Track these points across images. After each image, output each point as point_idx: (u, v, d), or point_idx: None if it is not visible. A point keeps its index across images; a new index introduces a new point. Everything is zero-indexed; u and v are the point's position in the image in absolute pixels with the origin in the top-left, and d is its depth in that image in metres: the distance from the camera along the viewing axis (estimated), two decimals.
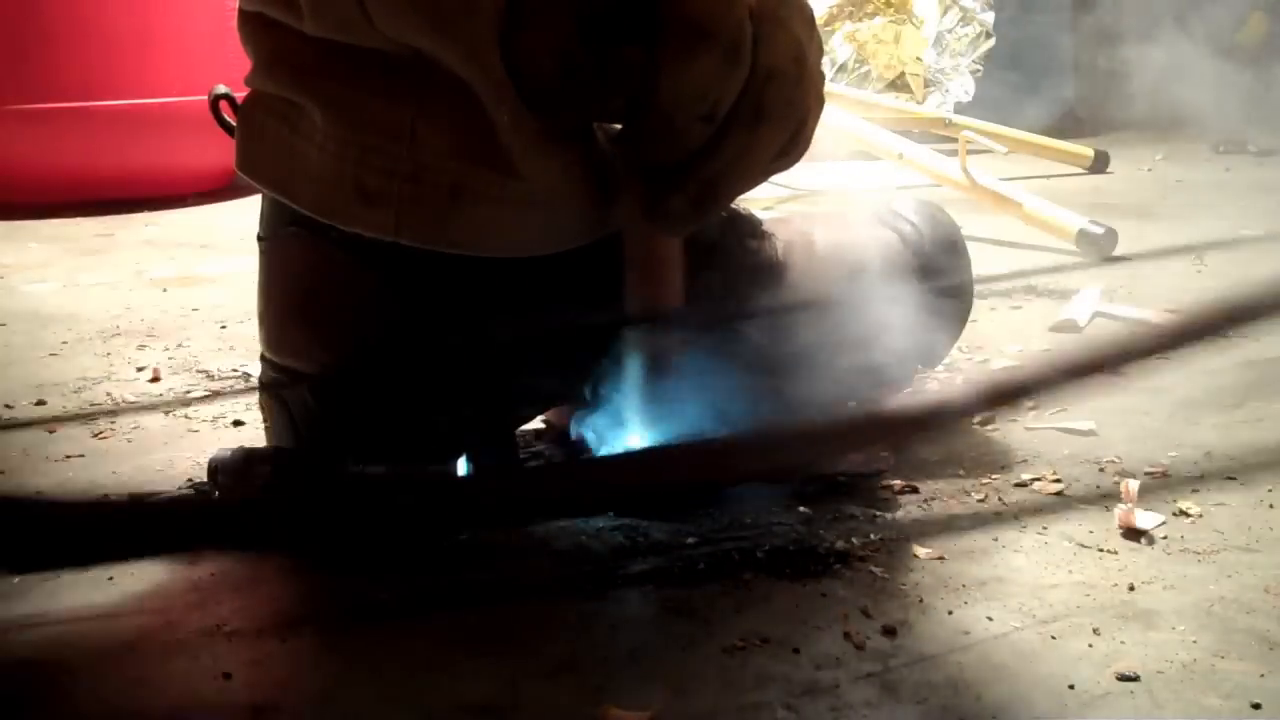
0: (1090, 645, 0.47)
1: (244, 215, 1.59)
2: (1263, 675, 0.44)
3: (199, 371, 0.88)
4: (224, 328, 1.02)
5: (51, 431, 0.74)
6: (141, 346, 0.96)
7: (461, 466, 0.57)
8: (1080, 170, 1.88)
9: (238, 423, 0.75)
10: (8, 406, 0.79)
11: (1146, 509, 0.58)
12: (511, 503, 0.53)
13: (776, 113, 0.52)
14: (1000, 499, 0.61)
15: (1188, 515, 0.59)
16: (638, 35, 0.52)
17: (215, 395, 0.81)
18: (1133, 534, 0.57)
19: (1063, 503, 0.61)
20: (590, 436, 0.61)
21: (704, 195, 0.53)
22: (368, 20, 0.53)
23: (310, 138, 0.56)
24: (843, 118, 1.58)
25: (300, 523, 0.50)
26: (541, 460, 0.66)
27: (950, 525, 0.58)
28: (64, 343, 0.98)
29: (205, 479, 0.58)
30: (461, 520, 0.54)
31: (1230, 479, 0.63)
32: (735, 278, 0.63)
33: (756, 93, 0.52)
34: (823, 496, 0.60)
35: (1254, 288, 0.60)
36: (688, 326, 0.60)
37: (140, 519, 0.50)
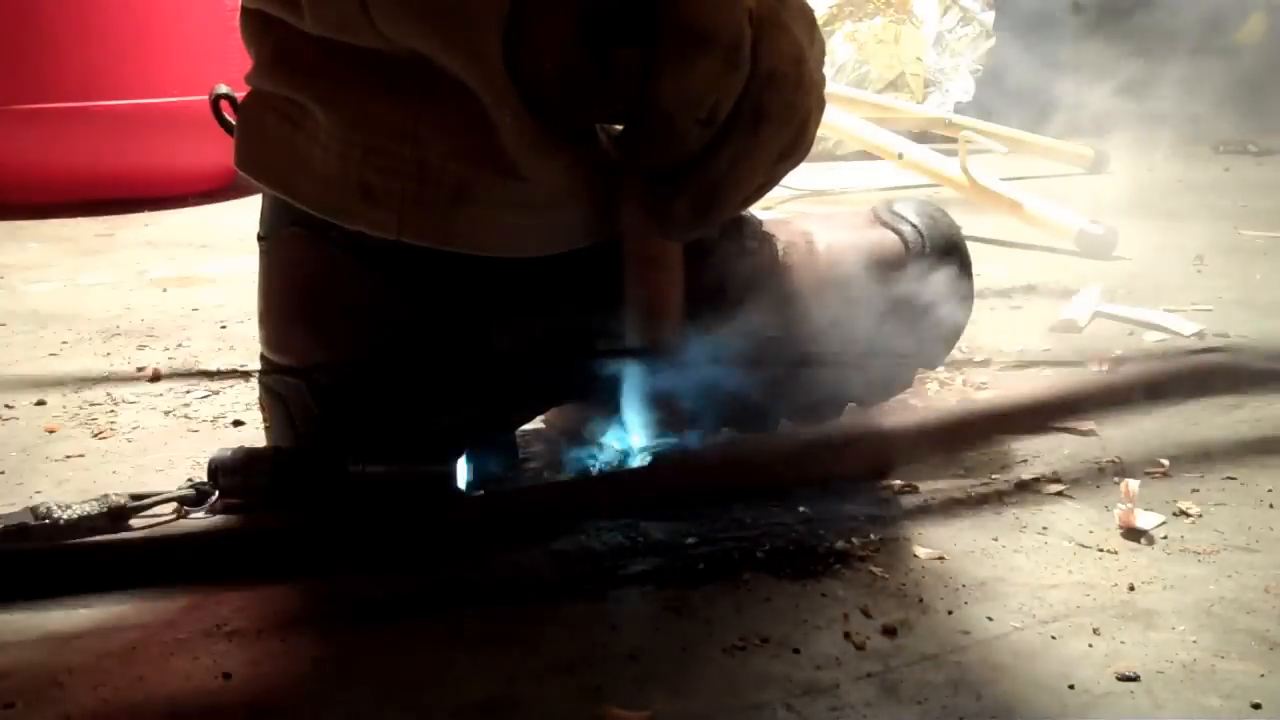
0: (1090, 645, 0.47)
1: (244, 215, 1.59)
2: (1263, 675, 0.44)
3: (199, 371, 0.88)
4: (224, 328, 1.02)
5: (51, 431, 0.74)
6: (141, 346, 0.96)
7: (462, 467, 0.57)
8: (1080, 170, 1.88)
9: (238, 423, 0.75)
10: (8, 406, 0.79)
11: (1146, 509, 0.58)
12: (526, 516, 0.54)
13: (777, 115, 0.52)
14: (1000, 499, 0.61)
15: (1188, 515, 0.59)
16: (640, 37, 0.52)
17: (215, 395, 0.81)
18: (1133, 534, 0.57)
19: (1063, 503, 0.61)
20: (597, 440, 0.61)
21: (707, 200, 0.53)
22: (369, 21, 0.53)
23: (313, 136, 0.56)
24: (843, 118, 1.58)
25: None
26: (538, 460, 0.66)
27: (950, 525, 0.58)
28: (64, 343, 0.98)
29: (205, 479, 0.58)
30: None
31: (1230, 479, 0.63)
32: (735, 279, 0.63)
33: (756, 96, 0.52)
34: (823, 496, 0.60)
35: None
36: (687, 329, 0.60)
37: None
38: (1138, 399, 0.72)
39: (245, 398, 0.80)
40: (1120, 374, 0.76)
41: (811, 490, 0.61)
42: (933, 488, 0.63)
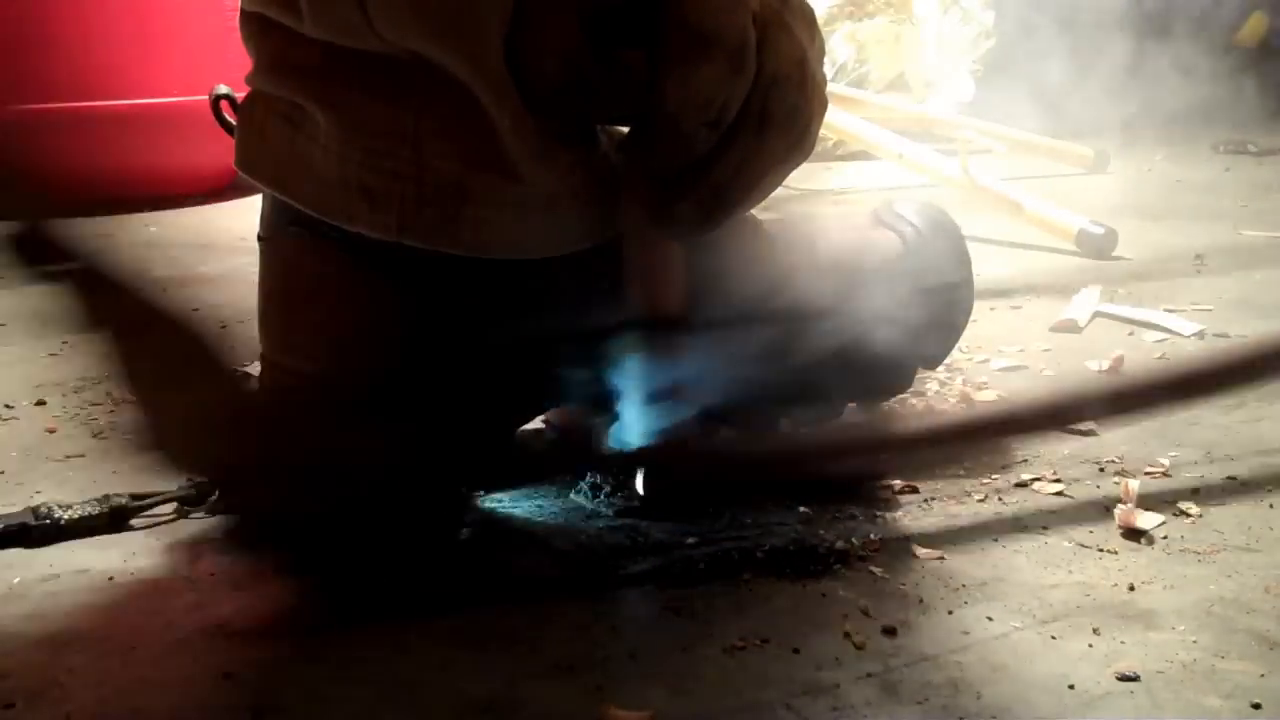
0: (1090, 645, 0.47)
1: (244, 215, 1.58)
2: (1263, 675, 0.44)
3: None
4: (224, 328, 1.02)
5: (51, 431, 0.74)
6: None
7: None
8: (1080, 170, 1.88)
9: None
10: (8, 406, 0.79)
11: (1146, 509, 0.58)
12: None
13: (781, 117, 0.52)
14: (1000, 499, 0.61)
15: (1188, 515, 0.59)
16: (644, 39, 0.52)
17: None
18: (1133, 534, 0.57)
19: (1063, 503, 0.61)
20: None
21: (712, 202, 0.53)
22: (369, 25, 0.53)
23: (313, 138, 0.56)
24: (843, 118, 1.58)
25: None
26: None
27: (950, 525, 0.58)
28: (64, 343, 0.98)
29: (205, 479, 0.58)
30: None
31: (1230, 479, 0.64)
32: (735, 279, 0.63)
33: (761, 98, 0.52)
34: (823, 496, 0.60)
35: None
36: (688, 329, 0.60)
37: None
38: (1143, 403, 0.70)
39: None
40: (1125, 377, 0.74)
41: (811, 490, 0.61)
42: (933, 488, 0.63)
